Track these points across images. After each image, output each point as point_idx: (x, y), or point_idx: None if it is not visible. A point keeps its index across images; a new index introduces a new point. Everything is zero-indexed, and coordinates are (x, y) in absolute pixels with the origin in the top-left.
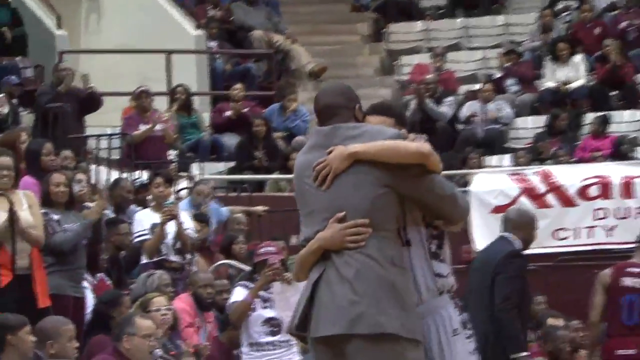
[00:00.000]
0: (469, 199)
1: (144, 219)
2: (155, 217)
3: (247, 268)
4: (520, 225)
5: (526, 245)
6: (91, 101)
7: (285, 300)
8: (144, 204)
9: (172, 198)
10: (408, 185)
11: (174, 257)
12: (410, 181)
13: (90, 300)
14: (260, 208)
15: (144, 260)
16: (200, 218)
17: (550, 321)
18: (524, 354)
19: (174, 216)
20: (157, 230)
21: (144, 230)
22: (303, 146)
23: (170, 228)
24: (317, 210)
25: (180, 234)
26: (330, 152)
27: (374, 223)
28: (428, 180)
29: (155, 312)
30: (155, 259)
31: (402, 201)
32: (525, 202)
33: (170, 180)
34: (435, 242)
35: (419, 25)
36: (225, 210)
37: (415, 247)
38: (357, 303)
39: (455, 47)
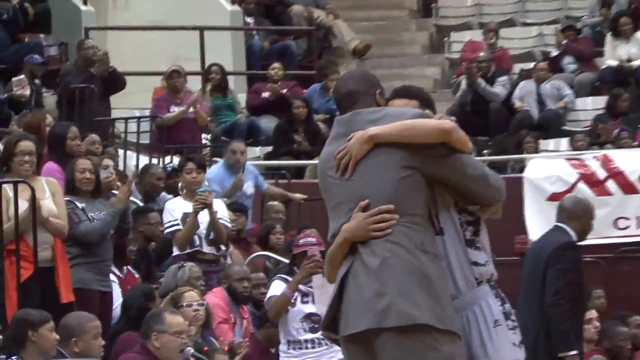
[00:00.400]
0: (504, 182)
1: (175, 208)
2: (187, 206)
3: (285, 260)
4: (577, 214)
5: (582, 236)
6: (113, 81)
7: (327, 295)
8: (175, 192)
9: (205, 185)
10: (434, 166)
11: (207, 249)
12: (435, 161)
13: (117, 294)
14: (299, 196)
15: (175, 252)
16: (236, 207)
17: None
18: (572, 352)
19: (207, 204)
20: (189, 219)
21: (175, 220)
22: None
23: (204, 217)
24: (342, 201)
25: (214, 224)
26: (350, 139)
27: (400, 208)
28: (455, 159)
29: (186, 307)
30: (187, 251)
31: (431, 184)
32: (583, 189)
33: (203, 166)
34: (470, 229)
35: None
36: (263, 180)
37: (449, 235)
38: (384, 294)
39: (509, 23)
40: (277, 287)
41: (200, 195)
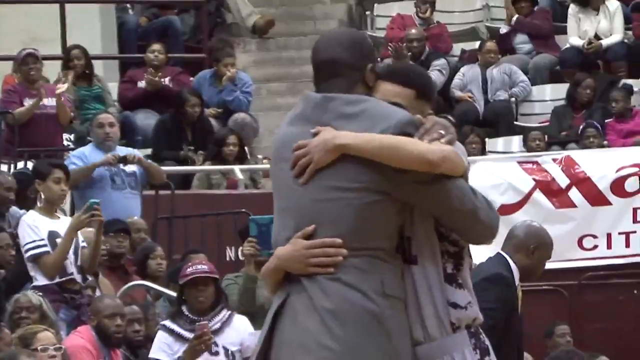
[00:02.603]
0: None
1: (39, 225)
2: (49, 223)
3: (168, 292)
4: (527, 247)
5: (527, 276)
6: None
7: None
8: (25, 205)
9: (67, 199)
10: (410, 194)
11: (77, 277)
12: (413, 189)
13: None
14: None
15: (41, 281)
16: (119, 227)
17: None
18: None
19: (99, 218)
20: (65, 239)
21: (41, 239)
22: (243, 126)
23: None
24: (290, 209)
25: (95, 245)
26: (316, 134)
27: (360, 239)
28: (439, 188)
29: (41, 352)
30: (57, 280)
31: (406, 208)
32: (540, 200)
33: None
34: (451, 261)
35: None
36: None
37: (425, 266)
38: (329, 349)
39: None
40: (161, 344)
41: (95, 207)
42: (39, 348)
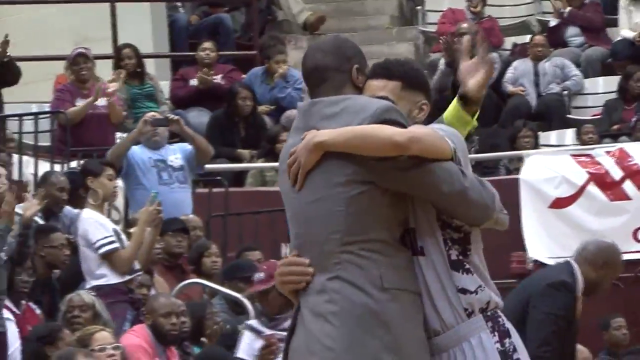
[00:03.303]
0: (494, 190)
1: (104, 222)
2: (106, 220)
3: (223, 290)
4: (596, 263)
5: (590, 290)
6: (7, 71)
7: None
8: (78, 205)
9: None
10: (395, 180)
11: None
12: (397, 175)
13: (13, 335)
14: None
15: (111, 279)
16: (177, 226)
17: None
18: None
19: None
20: (137, 233)
21: (110, 235)
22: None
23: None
24: (293, 217)
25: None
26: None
27: (353, 232)
28: (424, 172)
29: (98, 352)
30: (127, 278)
31: (403, 199)
32: (594, 193)
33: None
34: (456, 248)
35: None
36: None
37: (431, 256)
38: (331, 350)
39: None
40: (245, 347)
41: (157, 201)
42: (96, 348)
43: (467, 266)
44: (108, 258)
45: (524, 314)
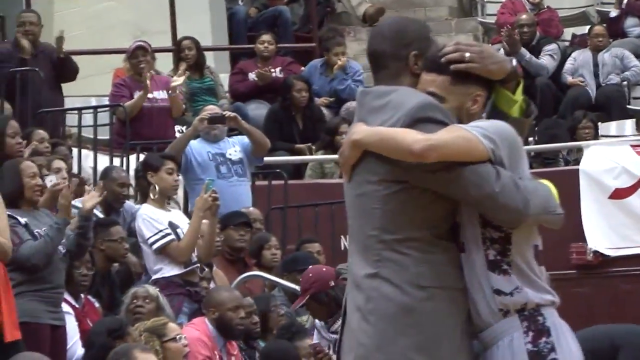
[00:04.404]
0: (535, 191)
1: (158, 216)
2: (165, 215)
3: (285, 283)
4: None
5: None
6: (63, 68)
7: None
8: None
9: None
10: (429, 181)
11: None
12: (429, 176)
13: (73, 328)
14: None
15: (167, 272)
16: (241, 220)
17: None
18: None
19: (217, 202)
20: (193, 223)
21: (166, 228)
22: (354, 115)
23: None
24: (346, 206)
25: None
26: None
27: (390, 230)
28: (451, 176)
29: (175, 342)
30: (185, 270)
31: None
32: None
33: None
34: (495, 248)
35: None
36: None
37: (470, 253)
38: (364, 346)
39: None
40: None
41: (212, 189)
42: (173, 337)
43: (505, 267)
44: (164, 252)
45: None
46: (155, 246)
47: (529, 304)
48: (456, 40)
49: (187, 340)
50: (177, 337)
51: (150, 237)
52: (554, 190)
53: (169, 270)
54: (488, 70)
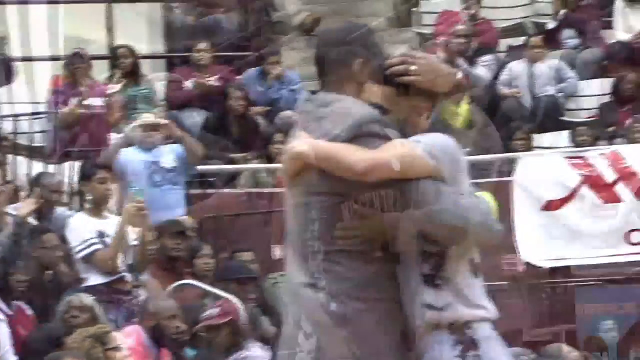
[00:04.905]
0: (479, 207)
1: (87, 226)
2: (98, 224)
3: (216, 291)
4: None
5: None
6: (3, 72)
7: None
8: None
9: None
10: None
11: (128, 277)
12: (366, 191)
13: (4, 336)
14: None
15: (95, 280)
16: (176, 229)
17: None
18: None
19: (143, 213)
20: (118, 233)
21: (92, 237)
22: (290, 125)
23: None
24: (288, 216)
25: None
26: None
27: (328, 242)
28: (391, 191)
29: (116, 351)
30: (111, 279)
31: None
32: (587, 195)
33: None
34: (431, 262)
35: None
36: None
37: (407, 267)
38: (300, 355)
39: None
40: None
41: (135, 199)
42: (115, 346)
43: (438, 282)
44: (90, 261)
45: None
46: (80, 255)
47: (459, 321)
48: (400, 51)
49: (128, 352)
50: (119, 346)
51: (77, 246)
52: (493, 204)
53: (95, 279)
54: (433, 84)
